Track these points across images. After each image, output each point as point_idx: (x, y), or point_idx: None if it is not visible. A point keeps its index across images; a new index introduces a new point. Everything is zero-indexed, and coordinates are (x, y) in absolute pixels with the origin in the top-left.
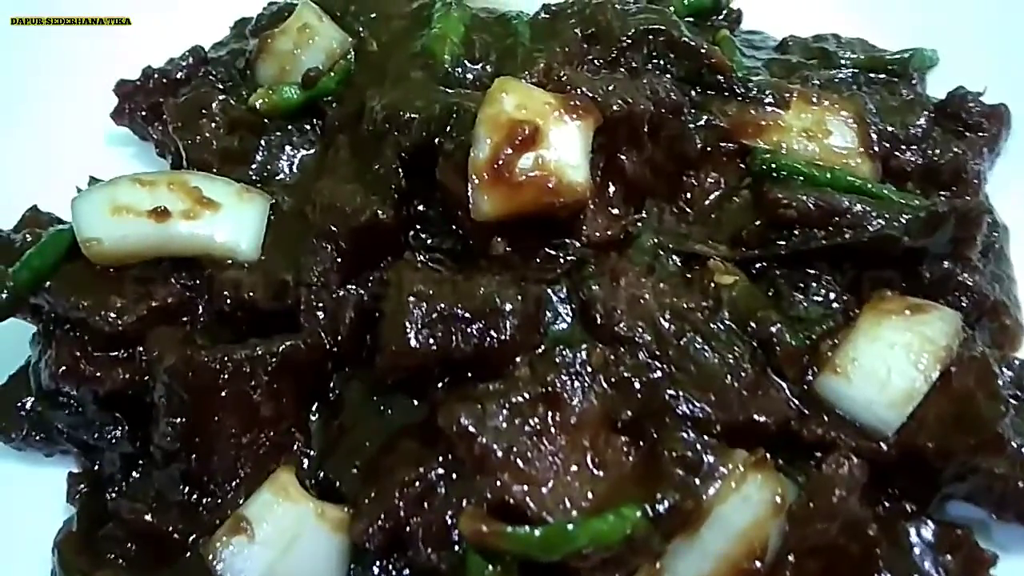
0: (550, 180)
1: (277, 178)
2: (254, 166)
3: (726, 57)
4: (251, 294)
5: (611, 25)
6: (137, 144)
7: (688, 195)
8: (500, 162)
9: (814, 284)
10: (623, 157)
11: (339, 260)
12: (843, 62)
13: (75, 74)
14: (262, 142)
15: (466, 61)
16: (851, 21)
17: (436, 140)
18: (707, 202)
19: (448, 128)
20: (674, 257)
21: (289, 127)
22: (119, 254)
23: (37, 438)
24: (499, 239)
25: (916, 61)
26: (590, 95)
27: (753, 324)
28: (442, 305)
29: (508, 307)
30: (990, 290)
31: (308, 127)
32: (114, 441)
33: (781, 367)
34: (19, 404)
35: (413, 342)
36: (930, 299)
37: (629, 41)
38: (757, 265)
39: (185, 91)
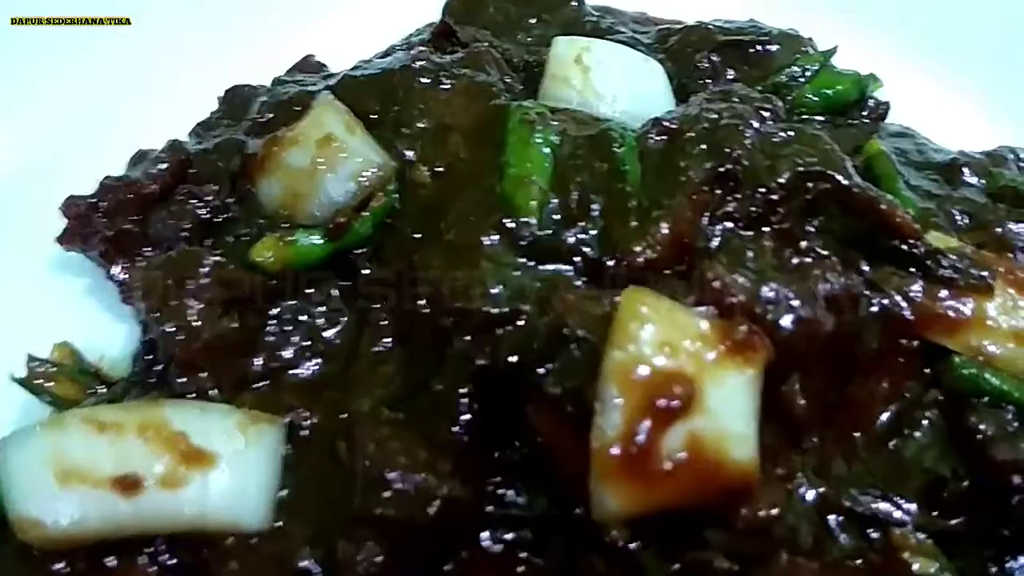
0: (708, 464)
1: (292, 373)
2: (259, 359)
3: (909, 216)
4: None
5: (755, 167)
6: (94, 273)
7: (854, 413)
8: (638, 441)
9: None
10: (788, 388)
11: (389, 556)
12: None
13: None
14: (271, 317)
15: (557, 217)
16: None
17: (528, 369)
18: (880, 424)
19: (547, 357)
20: (842, 520)
21: (307, 291)
22: (68, 539)
23: None
24: (623, 527)
25: None
26: (756, 310)
27: None
28: None
29: None
30: None
31: (334, 291)
32: None
33: None
34: None
35: None
36: None
37: (780, 192)
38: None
39: (160, 214)
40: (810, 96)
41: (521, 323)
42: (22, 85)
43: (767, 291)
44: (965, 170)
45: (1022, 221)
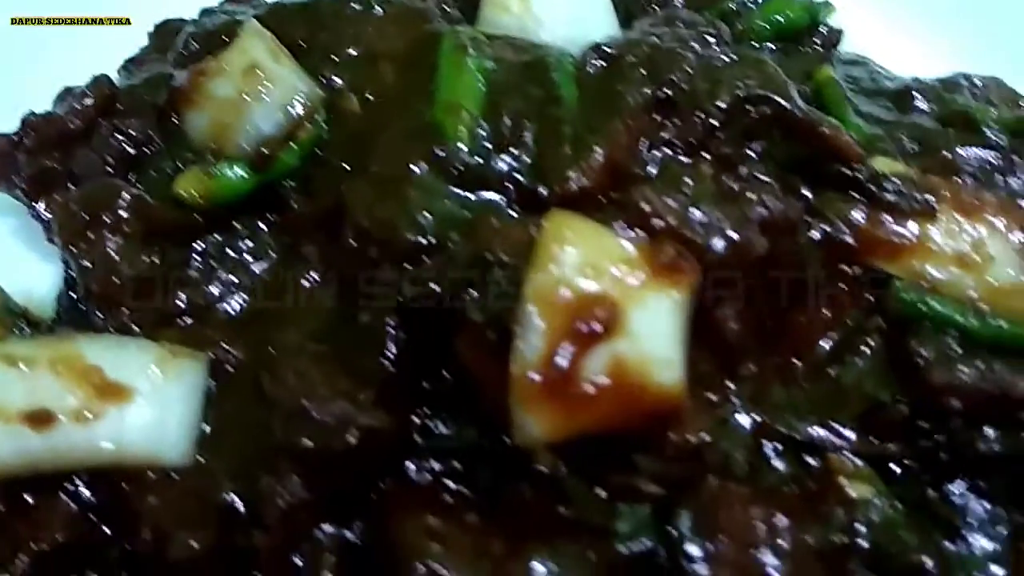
0: (631, 388)
1: (217, 308)
2: (183, 295)
3: (853, 139)
4: (191, 543)
5: (695, 89)
6: (19, 213)
7: (794, 341)
8: (558, 364)
9: (970, 495)
10: (720, 313)
11: (311, 489)
12: (989, 128)
13: None
14: (194, 253)
15: (489, 144)
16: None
17: (453, 299)
18: (821, 351)
19: (473, 284)
20: (779, 447)
21: (233, 225)
22: None
23: None
24: (548, 454)
25: None
26: (685, 233)
27: (898, 565)
28: None
29: None
30: None
31: (261, 225)
32: None
33: None
34: None
35: None
36: None
37: (721, 116)
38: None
39: (83, 150)
40: (761, 23)
41: (448, 252)
42: None
43: (697, 214)
44: (917, 97)
45: (971, 146)
